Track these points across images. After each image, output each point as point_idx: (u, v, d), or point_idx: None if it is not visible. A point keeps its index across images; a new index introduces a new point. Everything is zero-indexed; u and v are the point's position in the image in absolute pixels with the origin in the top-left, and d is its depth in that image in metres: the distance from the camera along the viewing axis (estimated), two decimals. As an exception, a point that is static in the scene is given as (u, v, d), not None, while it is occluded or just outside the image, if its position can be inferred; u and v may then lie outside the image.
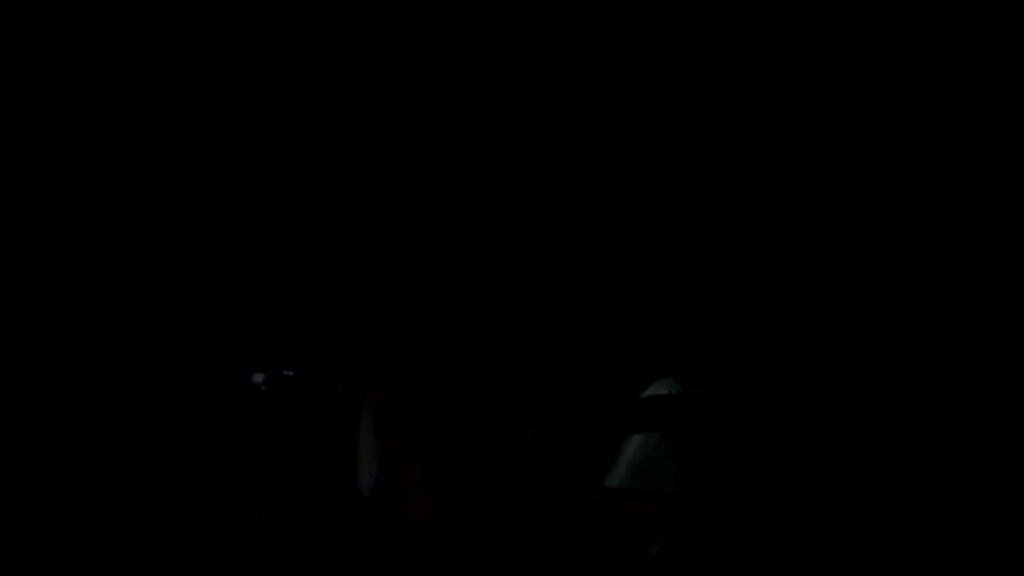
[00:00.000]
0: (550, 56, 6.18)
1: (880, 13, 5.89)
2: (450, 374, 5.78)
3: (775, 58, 6.04)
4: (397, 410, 5.32)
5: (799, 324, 5.89)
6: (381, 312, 6.13)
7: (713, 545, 4.96)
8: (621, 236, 6.22)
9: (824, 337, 5.85)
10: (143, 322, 6.14)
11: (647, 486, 5.11)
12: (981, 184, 5.80)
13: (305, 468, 5.81)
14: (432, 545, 4.96)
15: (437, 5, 6.13)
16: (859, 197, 5.97)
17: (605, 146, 6.24)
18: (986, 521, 5.37)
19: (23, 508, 5.87)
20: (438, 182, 6.27)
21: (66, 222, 6.14)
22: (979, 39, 5.79)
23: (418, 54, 6.20)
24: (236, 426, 5.96)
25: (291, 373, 5.40)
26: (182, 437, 6.03)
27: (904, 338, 5.79)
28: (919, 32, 5.87)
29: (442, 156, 6.26)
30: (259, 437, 5.62)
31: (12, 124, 6.06)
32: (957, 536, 5.28)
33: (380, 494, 5.31)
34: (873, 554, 5.17)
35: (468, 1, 6.11)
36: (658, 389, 5.22)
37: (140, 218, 6.20)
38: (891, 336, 5.80)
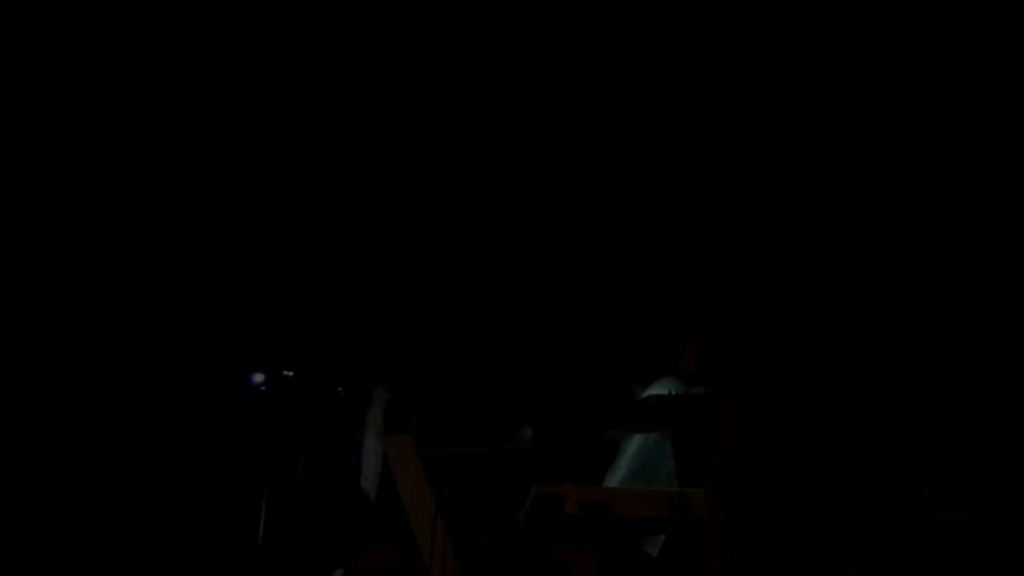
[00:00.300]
0: (550, 58, 6.19)
1: (879, 14, 5.92)
2: (451, 374, 5.79)
3: (774, 59, 6.05)
4: (398, 410, 5.33)
5: (798, 326, 5.90)
6: (382, 313, 6.14)
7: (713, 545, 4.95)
8: (621, 238, 6.23)
9: (823, 339, 5.86)
10: (144, 323, 6.16)
11: (647, 486, 5.11)
12: (978, 184, 5.81)
13: (305, 468, 5.81)
14: (432, 545, 4.96)
15: (438, 6, 6.15)
16: (858, 199, 5.98)
17: (608, 151, 6.26)
18: (986, 521, 5.37)
19: (24, 507, 5.87)
20: (439, 184, 6.28)
21: (67, 223, 6.15)
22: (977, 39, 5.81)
23: (421, 56, 6.22)
24: (236, 426, 5.97)
25: (291, 373, 5.41)
26: (183, 437, 6.04)
27: (902, 340, 5.79)
28: (919, 33, 5.89)
29: (443, 158, 6.27)
30: (259, 437, 5.63)
31: (13, 125, 6.07)
32: (956, 536, 5.28)
33: (382, 494, 5.31)
34: (872, 553, 5.17)
35: (470, 2, 6.13)
36: (658, 389, 5.21)
37: (141, 220, 6.22)
38: (889, 338, 5.81)
